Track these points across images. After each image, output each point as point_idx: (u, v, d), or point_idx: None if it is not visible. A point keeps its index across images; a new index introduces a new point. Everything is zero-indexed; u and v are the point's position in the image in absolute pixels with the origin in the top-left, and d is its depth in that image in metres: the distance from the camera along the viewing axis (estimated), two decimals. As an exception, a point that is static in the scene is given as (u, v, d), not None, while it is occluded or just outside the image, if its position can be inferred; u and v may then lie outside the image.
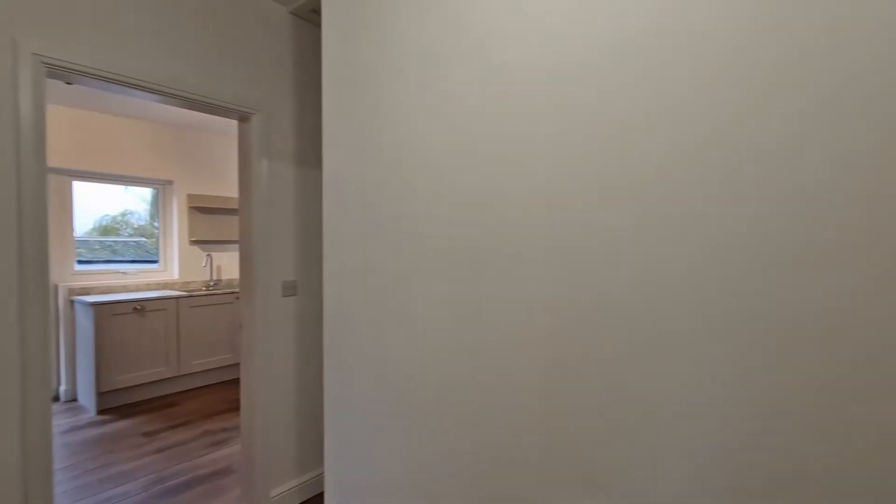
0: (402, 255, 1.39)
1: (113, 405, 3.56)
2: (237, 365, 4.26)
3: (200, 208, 4.44)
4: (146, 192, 4.40)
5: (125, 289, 4.05)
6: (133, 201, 4.37)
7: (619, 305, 0.98)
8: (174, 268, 4.42)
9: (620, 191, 0.97)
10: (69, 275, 3.80)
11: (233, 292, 4.21)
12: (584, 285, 1.03)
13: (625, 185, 0.97)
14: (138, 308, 3.63)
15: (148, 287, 4.20)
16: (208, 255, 4.53)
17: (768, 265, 0.81)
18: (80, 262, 3.97)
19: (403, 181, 1.39)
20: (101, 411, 3.46)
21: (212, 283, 4.51)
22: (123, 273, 4.11)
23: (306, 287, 2.36)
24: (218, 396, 3.80)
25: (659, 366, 0.93)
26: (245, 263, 2.19)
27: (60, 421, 3.30)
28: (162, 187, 4.42)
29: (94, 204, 4.10)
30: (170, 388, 3.87)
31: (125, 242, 4.48)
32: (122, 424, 3.23)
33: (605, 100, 0.99)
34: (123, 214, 4.35)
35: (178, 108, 3.78)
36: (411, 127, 1.36)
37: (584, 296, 1.03)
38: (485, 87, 1.19)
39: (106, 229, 4.22)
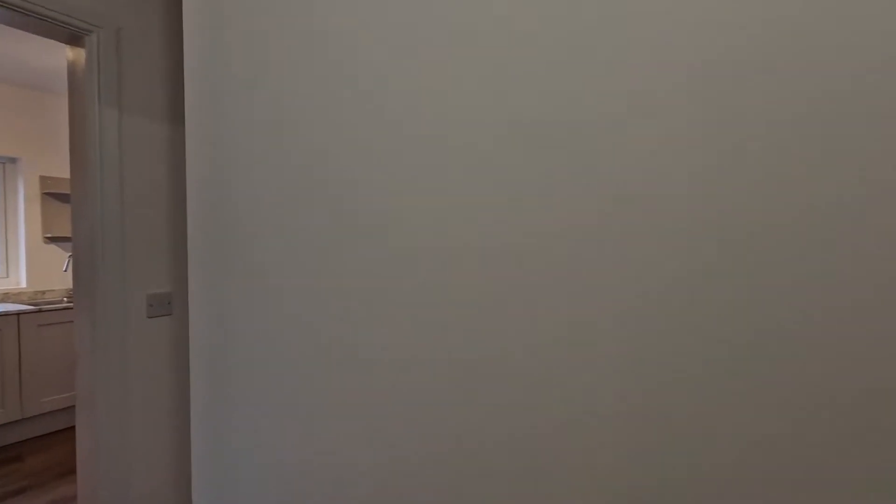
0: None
1: None
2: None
3: (58, 195, 3.40)
4: None
5: (-60, 303, 2.96)
6: None
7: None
8: (21, 273, 3.34)
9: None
10: None
11: (105, 304, 3.23)
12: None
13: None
14: (-47, 330, 2.60)
15: (-22, 300, 3.11)
16: (71, 255, 3.49)
17: None
18: None
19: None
20: None
21: (77, 293, 3.48)
22: (-59, 281, 3.01)
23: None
24: (80, 444, 2.85)
25: None
26: (81, 270, 1.41)
27: None
28: (2, 166, 3.32)
29: None
30: (10, 436, 2.85)
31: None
32: (-85, 503, 2.23)
33: None
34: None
35: (21, 60, 2.79)
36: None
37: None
38: None
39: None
